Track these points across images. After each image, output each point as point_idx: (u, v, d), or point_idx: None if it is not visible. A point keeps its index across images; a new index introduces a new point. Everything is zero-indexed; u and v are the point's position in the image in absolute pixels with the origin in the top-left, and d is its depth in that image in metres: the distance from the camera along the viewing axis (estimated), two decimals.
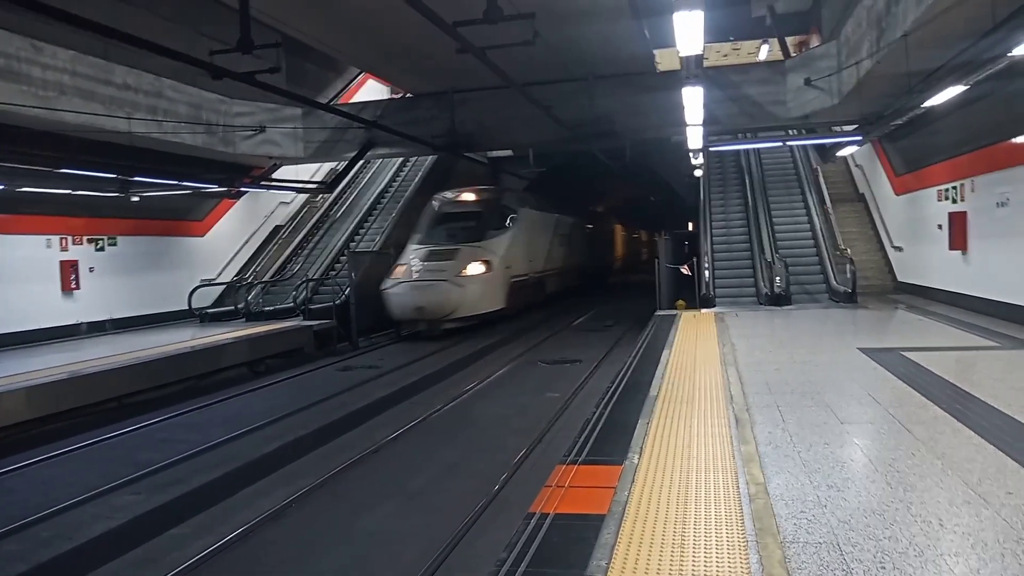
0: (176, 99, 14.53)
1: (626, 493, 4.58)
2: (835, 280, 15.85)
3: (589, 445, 5.80)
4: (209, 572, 5.68)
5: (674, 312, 15.07)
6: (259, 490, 7.52)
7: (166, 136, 14.06)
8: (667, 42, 15.64)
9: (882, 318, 13.01)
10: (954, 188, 13.31)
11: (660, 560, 3.66)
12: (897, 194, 16.83)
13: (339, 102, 20.66)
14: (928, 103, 10.14)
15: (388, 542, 6.15)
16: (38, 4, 7.02)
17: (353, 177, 22.80)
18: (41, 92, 11.48)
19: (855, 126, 14.99)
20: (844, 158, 20.12)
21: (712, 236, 18.22)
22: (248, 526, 6.35)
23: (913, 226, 15.78)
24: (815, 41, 20.77)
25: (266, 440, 9.15)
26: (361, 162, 20.54)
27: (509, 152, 26.40)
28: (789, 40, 20.92)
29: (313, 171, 22.14)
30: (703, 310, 15.10)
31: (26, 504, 7.11)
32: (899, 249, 16.99)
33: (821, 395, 7.05)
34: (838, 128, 16.88)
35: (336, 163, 20.71)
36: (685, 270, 16.77)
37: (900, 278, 16.99)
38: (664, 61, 17.71)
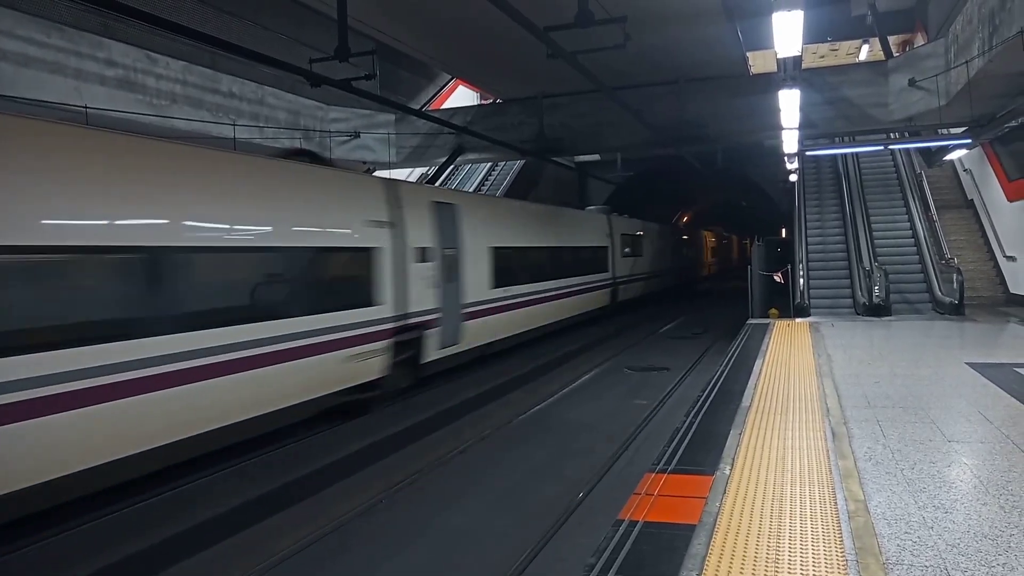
0: (276, 106, 15.14)
1: (717, 504, 4.48)
2: (940, 291, 15.07)
3: (679, 454, 5.70)
4: None
5: (767, 321, 14.66)
6: None
7: (267, 141, 14.64)
8: (762, 44, 15.30)
9: (992, 331, 12.28)
10: None
11: (754, 574, 3.56)
12: (1010, 200, 15.87)
13: (430, 108, 21.04)
14: None
15: (472, 542, 6.19)
16: (153, 17, 7.46)
17: (443, 183, 23.16)
18: (155, 100, 12.14)
19: (964, 129, 14.25)
20: (951, 162, 19.15)
21: (807, 243, 17.64)
22: None
23: None
24: (920, 40, 19.91)
25: None
26: (450, 168, 20.83)
27: (597, 156, 26.33)
28: (892, 39, 20.07)
29: (404, 176, 22.60)
30: (797, 319, 14.63)
31: None
32: (1012, 259, 16.00)
33: (925, 411, 6.72)
34: (945, 131, 16.07)
35: (427, 168, 21.09)
36: (778, 277, 16.27)
37: (1012, 290, 16.00)
38: (757, 63, 17.31)
